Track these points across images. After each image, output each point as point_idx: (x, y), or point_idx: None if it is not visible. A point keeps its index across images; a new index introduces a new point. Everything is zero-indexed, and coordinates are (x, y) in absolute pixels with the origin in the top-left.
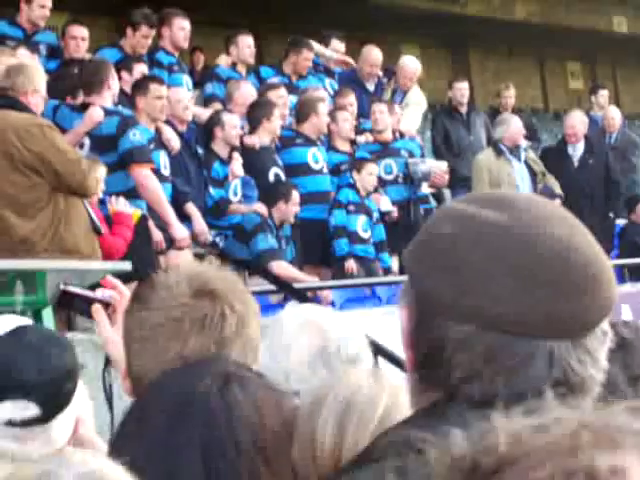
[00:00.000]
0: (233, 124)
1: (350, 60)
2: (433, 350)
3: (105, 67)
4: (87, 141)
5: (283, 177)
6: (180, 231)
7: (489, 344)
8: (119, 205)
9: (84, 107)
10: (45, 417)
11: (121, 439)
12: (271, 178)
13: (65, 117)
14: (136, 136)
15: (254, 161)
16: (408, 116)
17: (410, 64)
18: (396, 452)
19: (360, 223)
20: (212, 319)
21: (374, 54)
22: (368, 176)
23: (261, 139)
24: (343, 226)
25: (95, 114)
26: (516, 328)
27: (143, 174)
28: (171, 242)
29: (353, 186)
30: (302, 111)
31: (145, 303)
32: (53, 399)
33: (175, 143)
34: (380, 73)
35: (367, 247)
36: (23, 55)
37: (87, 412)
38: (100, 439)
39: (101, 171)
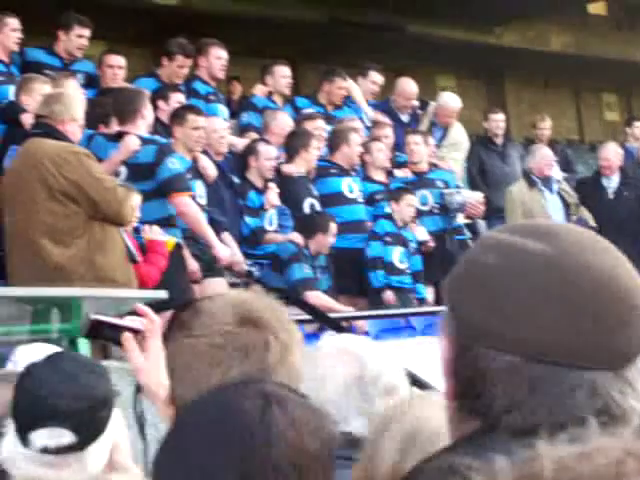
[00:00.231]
0: (268, 155)
1: (387, 121)
2: (475, 380)
3: (139, 96)
4: (124, 169)
5: (318, 207)
6: (223, 250)
7: (532, 375)
8: (153, 233)
9: (119, 136)
10: (80, 444)
11: (161, 458)
12: (306, 208)
13: (100, 146)
14: (174, 164)
15: (290, 191)
16: (454, 161)
17: (451, 102)
18: (441, 478)
19: (396, 254)
20: (256, 347)
21: (410, 87)
22: (407, 207)
23: (298, 169)
24: (380, 257)
25: (131, 143)
26: (559, 359)
27: (183, 202)
28: (206, 271)
29: (389, 217)
30: (334, 141)
31: (189, 330)
32: (88, 426)
33: (212, 172)
34: (416, 103)
35: (403, 278)
36: (72, 86)
37: (123, 439)
38: (135, 466)
39: (136, 199)
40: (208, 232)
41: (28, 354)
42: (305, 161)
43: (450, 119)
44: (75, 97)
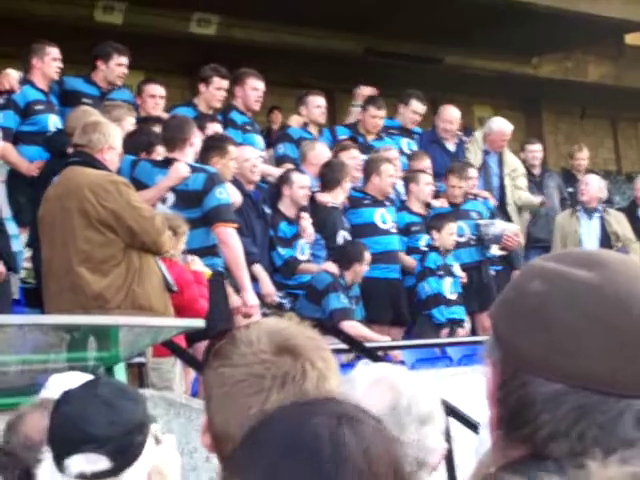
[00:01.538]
0: (302, 184)
1: (425, 154)
2: (521, 407)
3: (188, 124)
4: (171, 196)
5: (349, 239)
6: (253, 298)
7: (579, 403)
8: (195, 265)
9: (166, 162)
10: (116, 470)
11: (229, 463)
12: (339, 240)
13: (146, 172)
14: (222, 194)
15: (324, 221)
16: (522, 190)
17: (505, 126)
18: None
19: (447, 286)
20: (293, 376)
21: (449, 111)
22: (448, 235)
23: (333, 199)
24: (439, 293)
25: (182, 170)
26: (607, 387)
27: (228, 233)
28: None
29: (434, 248)
30: (365, 171)
31: (226, 359)
32: (124, 452)
33: (235, 199)
34: (460, 133)
35: (454, 309)
36: (132, 125)
37: (171, 465)
38: None
39: (184, 229)
40: (244, 272)
41: (62, 382)
42: (343, 191)
43: (504, 143)
44: (113, 126)
